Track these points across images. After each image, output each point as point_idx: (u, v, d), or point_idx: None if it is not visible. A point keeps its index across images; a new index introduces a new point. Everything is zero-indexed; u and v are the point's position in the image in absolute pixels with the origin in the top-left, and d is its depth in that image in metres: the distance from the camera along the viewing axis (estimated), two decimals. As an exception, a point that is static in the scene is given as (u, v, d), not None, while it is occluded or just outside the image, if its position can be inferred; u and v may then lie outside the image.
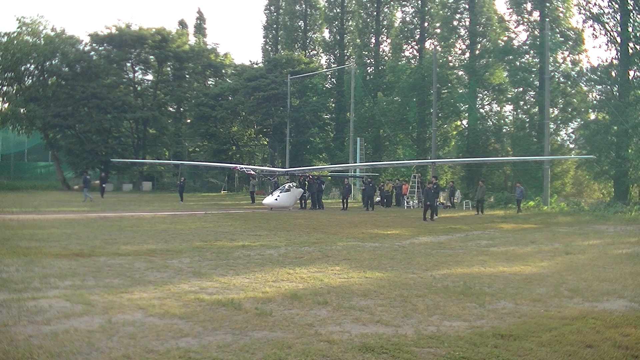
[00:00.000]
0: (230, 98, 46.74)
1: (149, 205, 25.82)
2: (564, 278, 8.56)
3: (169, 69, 49.05)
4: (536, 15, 35.19)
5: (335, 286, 7.62)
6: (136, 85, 48.74)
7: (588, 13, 31.55)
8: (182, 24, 60.53)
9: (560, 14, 34.73)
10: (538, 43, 33.59)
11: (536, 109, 35.33)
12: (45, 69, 42.27)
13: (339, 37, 50.60)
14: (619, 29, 30.45)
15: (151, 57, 46.85)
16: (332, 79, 50.67)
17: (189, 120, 52.10)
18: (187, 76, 50.12)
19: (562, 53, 34.38)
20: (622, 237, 15.15)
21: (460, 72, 39.87)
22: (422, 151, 39.68)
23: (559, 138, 36.05)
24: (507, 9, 36.94)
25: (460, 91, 38.15)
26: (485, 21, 37.80)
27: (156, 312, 6.00)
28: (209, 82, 53.53)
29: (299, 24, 53.79)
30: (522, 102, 36.96)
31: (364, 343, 5.06)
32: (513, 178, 33.74)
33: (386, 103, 41.00)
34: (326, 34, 53.15)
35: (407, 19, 44.00)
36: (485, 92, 39.06)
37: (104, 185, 34.30)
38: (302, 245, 12.13)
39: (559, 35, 34.18)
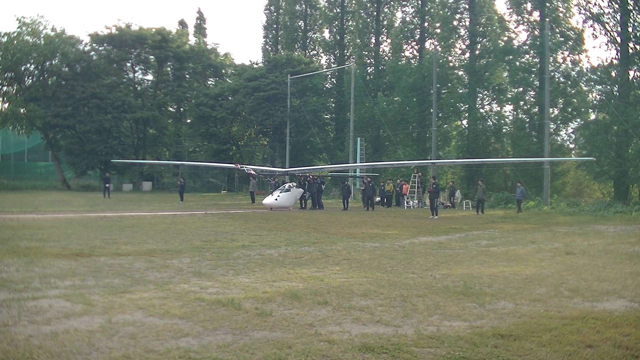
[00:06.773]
0: (230, 98, 46.75)
1: (149, 205, 25.80)
2: (564, 278, 8.55)
3: (169, 69, 49.06)
4: (536, 15, 35.24)
5: (335, 286, 7.61)
6: (136, 86, 48.78)
7: (588, 13, 31.62)
8: (182, 24, 60.46)
9: (560, 14, 34.78)
10: (538, 43, 33.60)
11: (536, 109, 35.35)
12: (45, 69, 42.25)
13: (339, 37, 50.60)
14: (619, 29, 30.47)
15: (151, 57, 46.90)
16: (332, 79, 50.67)
17: (189, 120, 52.09)
18: (187, 76, 50.14)
19: (562, 53, 34.42)
20: (622, 237, 15.12)
21: (460, 72, 39.89)
22: (422, 151, 39.67)
23: (559, 138, 36.08)
24: (507, 9, 37.07)
25: (460, 91, 38.17)
26: (485, 21, 37.82)
27: (156, 312, 5.99)
28: (209, 82, 53.52)
29: (299, 24, 53.81)
30: (522, 102, 36.98)
31: (364, 343, 5.05)
32: (513, 178, 33.73)
33: (386, 103, 41.01)
34: (326, 34, 53.22)
35: (407, 19, 44.06)
36: (485, 92, 39.08)
37: (107, 185, 32.80)
38: (302, 245, 12.12)
39: (559, 35, 34.20)
